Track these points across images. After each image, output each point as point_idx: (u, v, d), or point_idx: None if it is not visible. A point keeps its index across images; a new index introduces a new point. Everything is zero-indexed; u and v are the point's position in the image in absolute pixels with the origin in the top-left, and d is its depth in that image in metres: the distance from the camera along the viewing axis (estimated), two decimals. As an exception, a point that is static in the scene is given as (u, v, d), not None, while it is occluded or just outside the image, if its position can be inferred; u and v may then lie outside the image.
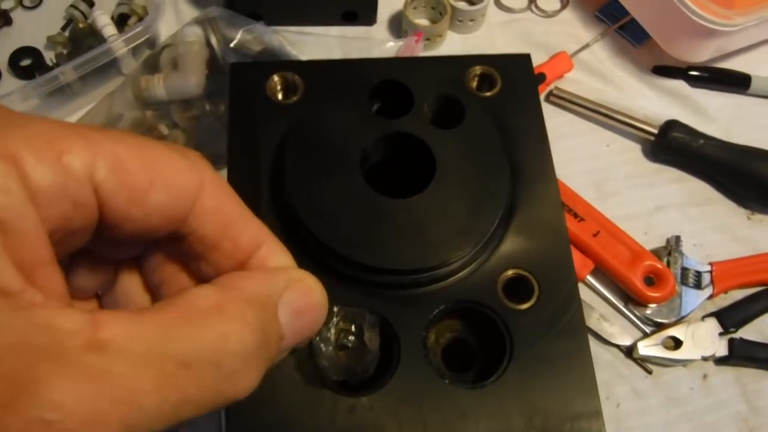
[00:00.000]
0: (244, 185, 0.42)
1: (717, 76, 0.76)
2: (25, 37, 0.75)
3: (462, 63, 0.47)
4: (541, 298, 0.40)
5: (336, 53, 0.72)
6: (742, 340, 0.62)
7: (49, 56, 0.73)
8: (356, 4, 0.75)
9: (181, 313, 0.23)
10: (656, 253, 0.65)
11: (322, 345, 0.31)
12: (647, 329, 0.62)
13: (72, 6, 0.75)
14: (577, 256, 0.63)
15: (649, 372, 0.61)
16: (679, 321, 0.62)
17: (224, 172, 0.44)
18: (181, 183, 0.26)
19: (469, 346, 0.41)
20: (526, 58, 0.48)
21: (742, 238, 0.68)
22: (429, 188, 0.41)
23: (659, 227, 0.68)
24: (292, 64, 0.49)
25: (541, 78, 0.72)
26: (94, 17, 0.72)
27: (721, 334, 0.62)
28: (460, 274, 0.40)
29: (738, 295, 0.65)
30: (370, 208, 0.40)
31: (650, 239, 0.67)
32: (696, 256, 0.66)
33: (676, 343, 0.61)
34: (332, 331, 0.32)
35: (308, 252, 0.40)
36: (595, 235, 0.64)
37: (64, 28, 0.75)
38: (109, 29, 0.71)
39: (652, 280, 0.63)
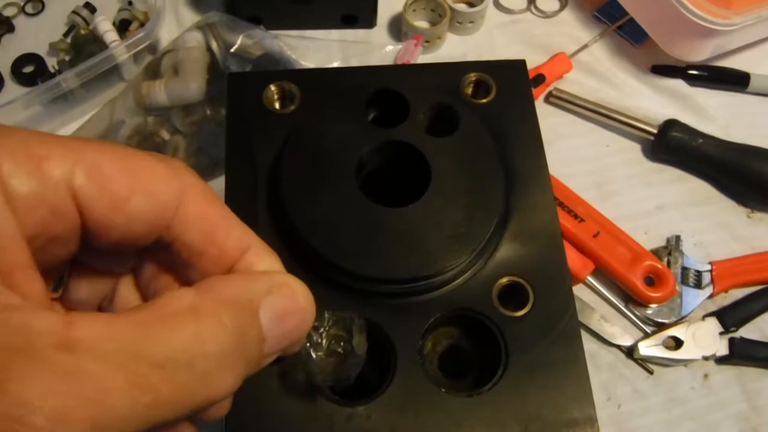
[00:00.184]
0: (242, 195, 0.42)
1: (716, 75, 0.76)
2: (27, 44, 0.75)
3: (457, 70, 0.47)
4: (536, 305, 0.40)
5: (336, 57, 0.72)
6: (742, 339, 0.62)
7: (51, 63, 0.73)
8: (356, 7, 0.75)
9: (155, 314, 0.23)
10: (656, 252, 0.65)
11: (312, 351, 0.31)
12: (648, 329, 0.63)
13: (74, 12, 0.75)
14: (577, 256, 0.64)
15: (650, 372, 0.61)
16: (679, 321, 0.63)
17: (224, 179, 0.44)
18: (162, 190, 0.27)
19: (466, 354, 0.42)
20: (520, 64, 0.48)
21: (741, 237, 0.68)
22: (424, 197, 0.41)
23: (659, 227, 0.68)
24: (288, 74, 0.49)
25: (541, 79, 0.72)
26: (96, 23, 0.72)
27: (721, 334, 0.62)
28: (456, 282, 0.41)
29: (738, 294, 0.65)
30: (366, 218, 0.40)
31: (650, 239, 0.67)
32: (696, 255, 0.66)
33: (677, 343, 0.61)
34: (324, 336, 0.32)
35: (305, 261, 0.40)
36: (595, 236, 0.64)
37: (66, 35, 0.76)
38: (110, 35, 0.71)
39: (652, 280, 0.63)
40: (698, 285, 0.64)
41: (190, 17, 0.77)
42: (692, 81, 0.76)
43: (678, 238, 0.67)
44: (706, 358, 0.61)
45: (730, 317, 0.63)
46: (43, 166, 0.24)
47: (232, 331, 0.24)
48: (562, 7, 0.81)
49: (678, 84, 0.75)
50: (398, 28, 0.77)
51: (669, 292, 0.62)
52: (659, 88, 0.76)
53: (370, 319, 0.39)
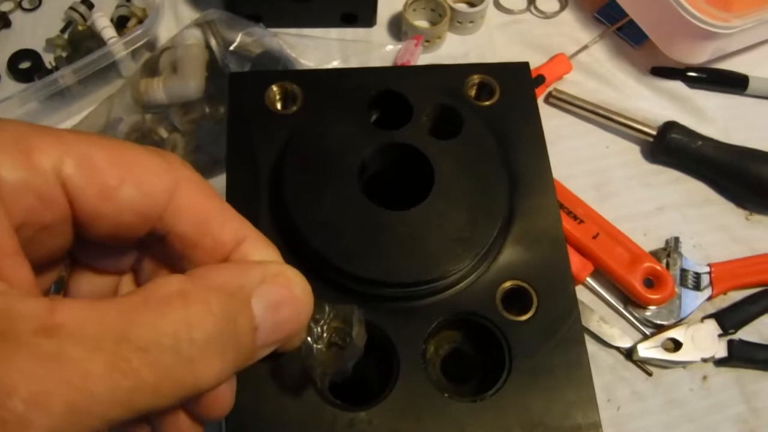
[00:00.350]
0: (242, 195, 0.42)
1: (715, 77, 0.76)
2: (24, 40, 0.74)
3: (460, 72, 0.47)
4: (540, 309, 0.40)
5: (335, 56, 0.72)
6: (741, 341, 0.62)
7: (48, 59, 0.73)
8: (356, 6, 0.75)
9: (141, 298, 0.23)
10: (655, 254, 0.65)
11: (313, 344, 0.31)
12: (647, 331, 0.63)
13: (71, 8, 0.75)
14: (577, 258, 0.64)
15: (650, 374, 0.61)
16: (678, 323, 0.63)
17: (223, 178, 0.44)
18: (152, 181, 0.27)
19: (469, 358, 0.41)
20: (524, 67, 0.48)
21: (740, 239, 0.68)
22: (428, 199, 0.41)
23: (658, 228, 0.68)
24: (290, 74, 0.49)
25: (541, 80, 0.72)
26: (94, 19, 0.72)
27: (720, 336, 0.62)
28: (459, 285, 0.40)
29: (737, 296, 0.65)
30: (368, 220, 0.40)
31: (649, 240, 0.67)
32: (695, 257, 0.66)
33: (676, 345, 0.61)
34: (324, 329, 0.31)
35: (306, 263, 0.39)
36: (594, 237, 0.64)
37: (63, 31, 0.75)
38: (108, 31, 0.71)
39: (651, 282, 0.63)
40: (697, 287, 0.64)
41: (189, 14, 0.76)
42: (691, 83, 0.76)
43: (677, 239, 0.67)
44: (704, 360, 0.61)
45: (728, 319, 0.63)
46: (32, 156, 0.24)
47: (220, 318, 0.24)
48: (562, 8, 0.81)
49: (677, 86, 0.75)
50: (398, 28, 0.76)
51: (668, 293, 0.62)
52: (659, 89, 0.76)
53: (372, 323, 0.39)
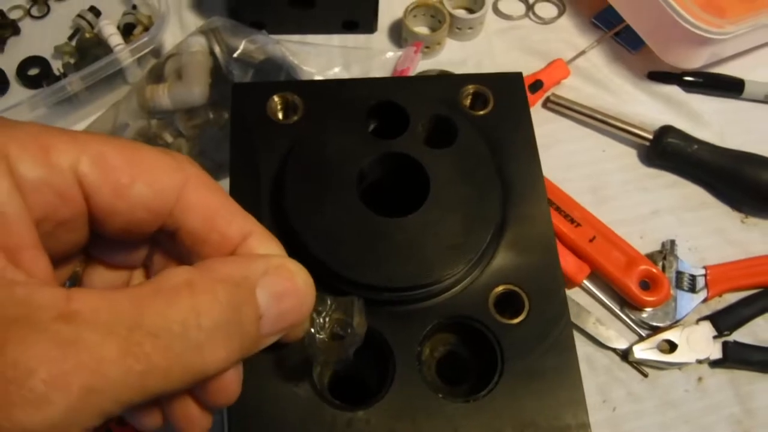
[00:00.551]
0: (245, 203, 0.43)
1: (711, 82, 0.77)
2: (32, 47, 0.76)
3: (455, 82, 0.48)
4: (532, 313, 0.41)
5: (337, 63, 0.73)
6: (736, 343, 0.63)
7: (56, 66, 0.74)
8: (357, 13, 0.76)
9: (152, 288, 0.25)
10: (651, 257, 0.66)
11: (316, 334, 0.32)
12: (643, 333, 0.64)
13: (79, 16, 0.76)
14: (573, 260, 0.65)
15: (645, 375, 0.62)
16: (674, 324, 0.63)
17: (226, 182, 0.46)
18: (163, 179, 0.28)
19: (463, 360, 0.42)
20: (517, 77, 0.49)
21: (736, 242, 0.69)
22: (423, 207, 0.42)
23: (654, 231, 0.69)
24: (291, 85, 0.50)
25: (539, 85, 0.73)
26: (101, 27, 0.73)
27: (715, 337, 0.63)
28: (453, 290, 0.42)
29: (732, 298, 0.66)
30: (366, 227, 0.41)
31: (645, 243, 0.68)
32: (691, 260, 0.67)
33: (671, 347, 0.62)
34: (327, 320, 0.33)
35: (306, 269, 0.41)
36: (591, 240, 0.65)
37: (71, 38, 0.76)
38: (115, 39, 0.72)
39: (647, 284, 0.64)
40: (692, 289, 0.65)
41: (194, 22, 0.78)
42: (688, 87, 0.77)
43: (673, 242, 0.68)
44: (699, 362, 0.62)
45: (723, 321, 0.64)
46: (50, 154, 0.26)
47: (226, 306, 0.26)
48: (560, 14, 0.82)
49: (674, 90, 0.76)
50: (398, 34, 0.78)
51: (663, 296, 0.63)
52: (655, 94, 0.77)
53: (369, 326, 0.40)
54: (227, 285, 0.26)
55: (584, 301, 0.65)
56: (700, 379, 0.62)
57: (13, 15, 0.78)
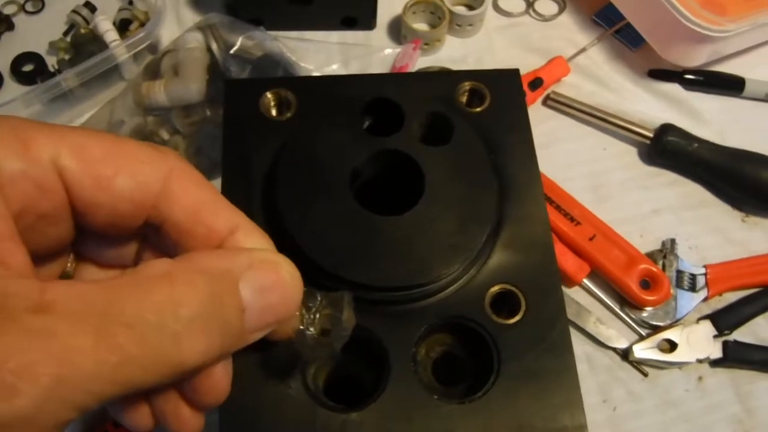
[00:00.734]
0: (237, 201, 0.43)
1: (711, 80, 0.77)
2: (27, 43, 0.75)
3: (452, 79, 0.48)
4: (528, 313, 0.41)
5: (335, 59, 0.73)
6: (736, 342, 0.63)
7: (51, 62, 0.74)
8: (356, 9, 0.76)
9: (129, 279, 0.24)
10: (651, 256, 0.66)
11: (306, 330, 0.31)
12: (643, 332, 0.63)
13: (74, 11, 0.76)
14: (573, 260, 0.64)
15: (645, 375, 0.62)
16: (674, 324, 0.63)
17: (220, 182, 0.45)
18: (146, 171, 0.28)
19: (459, 360, 0.42)
20: (514, 73, 0.48)
21: (736, 241, 0.69)
22: (418, 205, 0.42)
23: (655, 230, 0.69)
24: (285, 81, 0.50)
25: (539, 83, 0.73)
26: (96, 23, 0.73)
27: (715, 337, 0.63)
28: (449, 289, 0.41)
29: (732, 297, 0.66)
30: (360, 226, 0.41)
31: (646, 242, 0.68)
32: (691, 259, 0.67)
33: (672, 346, 0.62)
34: (317, 317, 0.32)
35: (300, 268, 0.40)
36: (591, 239, 0.65)
37: (66, 34, 0.76)
38: (110, 35, 0.72)
39: (647, 283, 0.64)
40: (693, 288, 0.65)
41: (191, 17, 0.77)
42: (688, 85, 0.76)
43: (673, 241, 0.67)
44: (700, 361, 0.62)
45: (724, 320, 0.64)
46: (30, 148, 0.25)
47: (205, 297, 0.25)
48: (561, 11, 0.81)
49: (674, 88, 0.76)
50: (398, 31, 0.77)
51: (664, 295, 0.63)
52: (656, 92, 0.76)
53: (363, 326, 0.39)
54: (208, 276, 0.26)
55: (584, 301, 0.64)
56: (700, 378, 0.62)
57: (8, 10, 0.77)
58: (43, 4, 0.78)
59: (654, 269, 0.64)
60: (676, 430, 0.60)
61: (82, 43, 0.73)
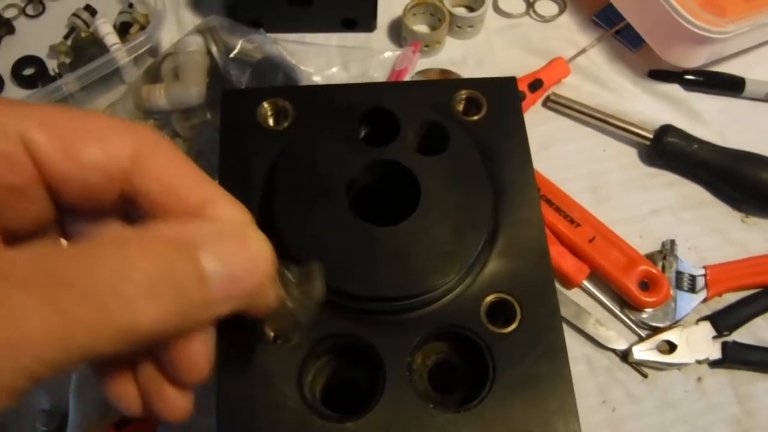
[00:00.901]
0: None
1: (711, 80, 0.77)
2: (28, 46, 0.76)
3: (448, 87, 0.48)
4: (524, 321, 0.41)
5: (335, 62, 0.73)
6: (735, 343, 0.63)
7: (51, 65, 0.74)
8: (356, 11, 0.76)
9: (84, 245, 0.24)
10: (651, 257, 0.66)
11: (287, 303, 0.31)
12: (642, 333, 0.64)
13: (74, 15, 0.76)
14: (573, 261, 0.64)
15: (645, 376, 0.62)
16: (673, 325, 0.63)
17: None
18: (116, 142, 0.28)
19: (455, 368, 0.42)
20: (511, 81, 0.48)
21: (736, 241, 0.69)
22: (414, 216, 0.42)
23: (654, 231, 0.69)
24: (282, 90, 0.50)
25: (538, 84, 0.73)
26: (97, 26, 0.73)
27: (714, 338, 0.63)
28: (445, 299, 0.41)
29: (732, 298, 0.66)
30: (356, 236, 0.41)
31: (645, 243, 0.68)
32: (690, 260, 0.67)
33: (671, 347, 0.62)
34: (296, 291, 0.32)
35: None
36: (590, 241, 0.65)
37: (66, 37, 0.76)
38: (111, 38, 0.72)
39: (647, 284, 0.64)
40: (692, 289, 0.65)
41: (191, 21, 0.77)
42: (688, 86, 0.76)
43: (673, 242, 0.67)
44: (699, 362, 0.62)
45: (723, 321, 0.64)
46: None
47: (159, 262, 0.25)
48: (561, 12, 0.81)
49: (674, 89, 0.76)
50: (398, 32, 0.77)
51: (663, 296, 0.63)
52: (656, 92, 0.76)
53: (359, 335, 0.39)
54: (164, 243, 0.25)
55: (584, 302, 0.65)
56: (699, 379, 0.62)
57: (8, 14, 0.77)
58: (44, 8, 0.78)
59: (653, 271, 0.64)
60: (675, 431, 0.60)
61: (82, 46, 0.73)
